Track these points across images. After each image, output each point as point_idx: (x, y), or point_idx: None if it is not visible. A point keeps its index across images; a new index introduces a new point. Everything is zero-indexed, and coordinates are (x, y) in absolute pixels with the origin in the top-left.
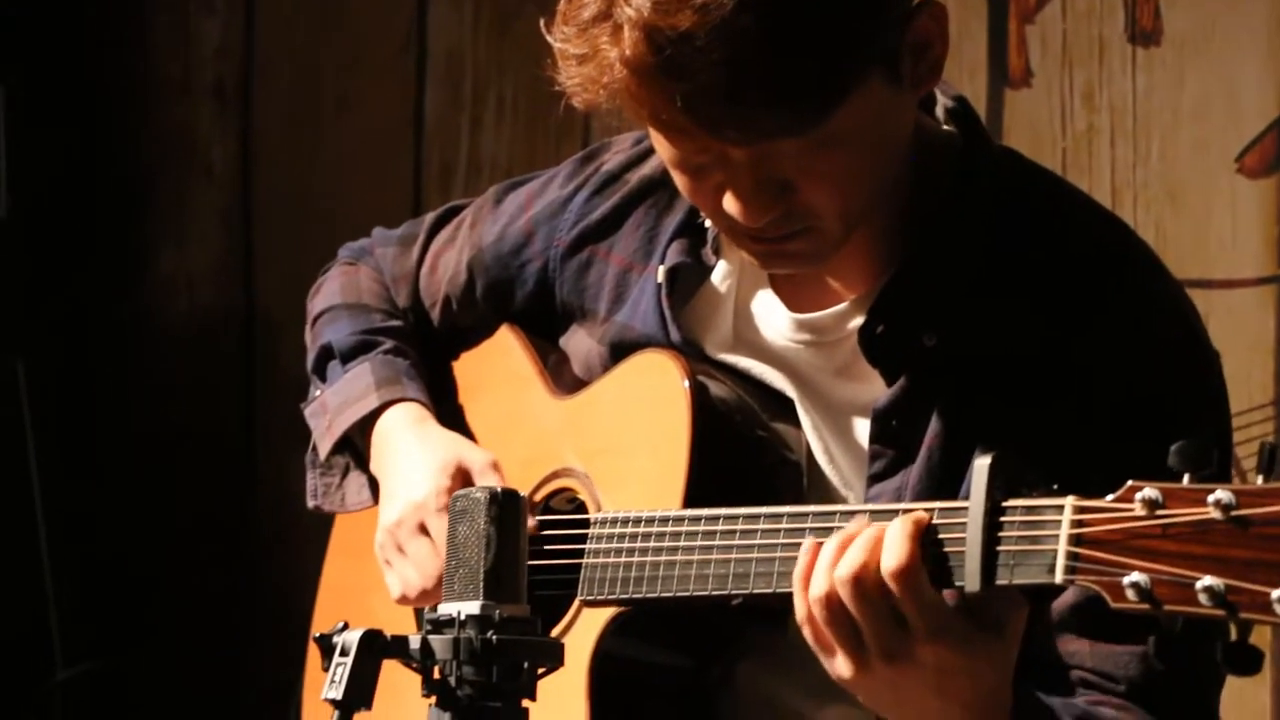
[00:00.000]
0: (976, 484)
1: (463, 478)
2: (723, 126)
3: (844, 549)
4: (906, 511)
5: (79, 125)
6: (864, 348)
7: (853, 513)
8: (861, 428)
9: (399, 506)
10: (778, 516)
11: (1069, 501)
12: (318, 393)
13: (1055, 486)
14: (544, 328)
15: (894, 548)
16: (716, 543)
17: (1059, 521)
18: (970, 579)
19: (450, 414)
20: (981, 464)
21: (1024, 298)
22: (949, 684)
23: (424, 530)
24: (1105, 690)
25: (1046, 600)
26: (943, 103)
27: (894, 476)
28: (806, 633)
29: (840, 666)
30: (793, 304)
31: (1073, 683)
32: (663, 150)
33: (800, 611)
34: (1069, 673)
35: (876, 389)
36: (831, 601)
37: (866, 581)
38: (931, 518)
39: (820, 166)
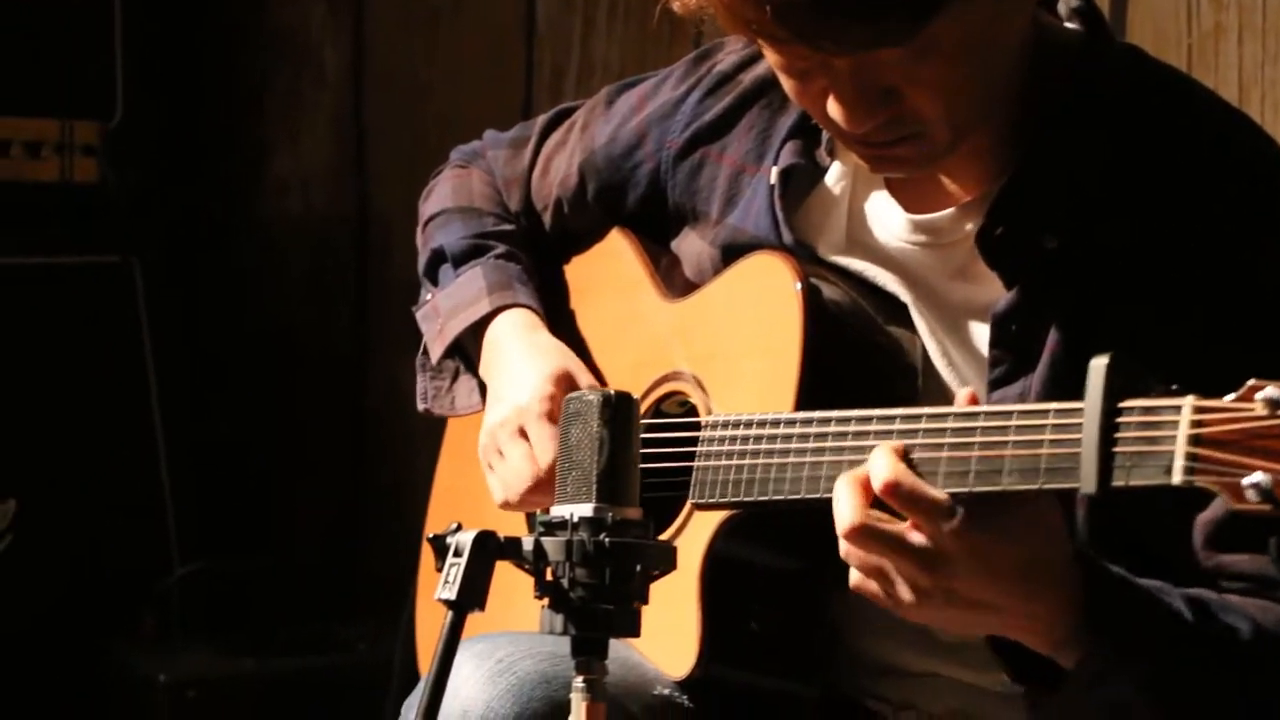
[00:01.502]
0: (1092, 385)
1: (568, 387)
2: (817, 37)
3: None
4: (1001, 413)
5: (192, 28)
6: (982, 250)
7: (966, 414)
8: (979, 331)
9: (502, 410)
10: (890, 419)
11: (1188, 401)
12: (429, 296)
13: (1174, 387)
14: (655, 230)
15: (876, 465)
16: (828, 445)
17: (1177, 422)
18: (1086, 481)
19: (561, 318)
20: (1098, 365)
21: (1148, 198)
22: (989, 568)
23: (523, 434)
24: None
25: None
26: (1066, 0)
27: (1016, 382)
28: (862, 588)
29: (893, 606)
30: (909, 205)
31: (1243, 594)
32: (768, 55)
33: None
34: (1236, 585)
35: (994, 292)
36: (853, 556)
37: (870, 528)
38: (970, 453)
39: (924, 74)
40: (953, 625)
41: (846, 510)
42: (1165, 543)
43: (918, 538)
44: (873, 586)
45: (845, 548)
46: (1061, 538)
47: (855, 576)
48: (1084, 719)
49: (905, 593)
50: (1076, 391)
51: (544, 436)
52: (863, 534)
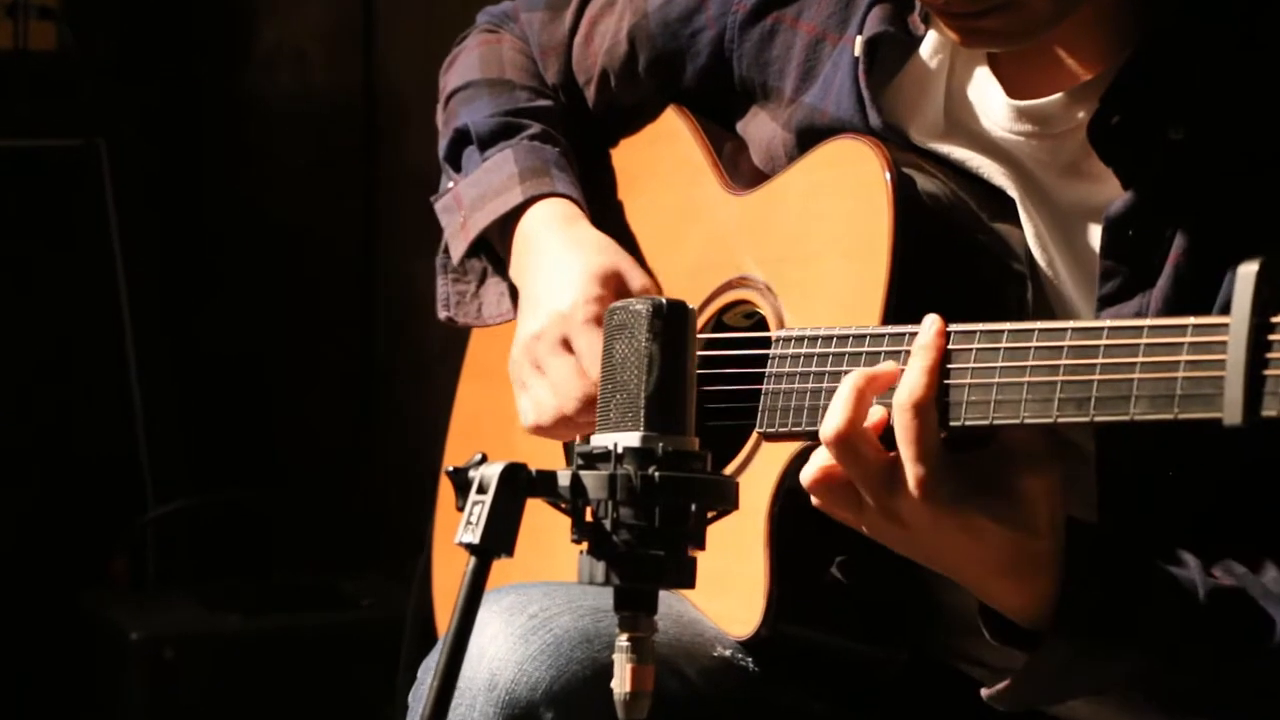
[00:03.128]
0: (1240, 297)
1: (616, 288)
2: None
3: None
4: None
5: None
6: (1096, 141)
7: (1087, 329)
8: (1091, 238)
9: (540, 317)
10: (996, 334)
11: None
12: (451, 184)
13: None
14: (718, 109)
15: (909, 379)
16: None
17: None
18: (1230, 409)
19: (606, 212)
20: (1246, 272)
21: None
22: (955, 545)
23: (567, 345)
24: None
25: None
26: None
27: (1130, 300)
28: (815, 495)
29: (857, 524)
30: (1013, 88)
31: None
32: None
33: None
34: None
35: (1109, 192)
36: (827, 464)
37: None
38: (1091, 375)
39: None
40: (915, 555)
41: (843, 415)
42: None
43: (904, 471)
44: (829, 498)
45: (827, 452)
46: (1048, 525)
47: (813, 477)
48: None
49: (868, 517)
50: (1203, 312)
51: (594, 346)
52: (847, 445)
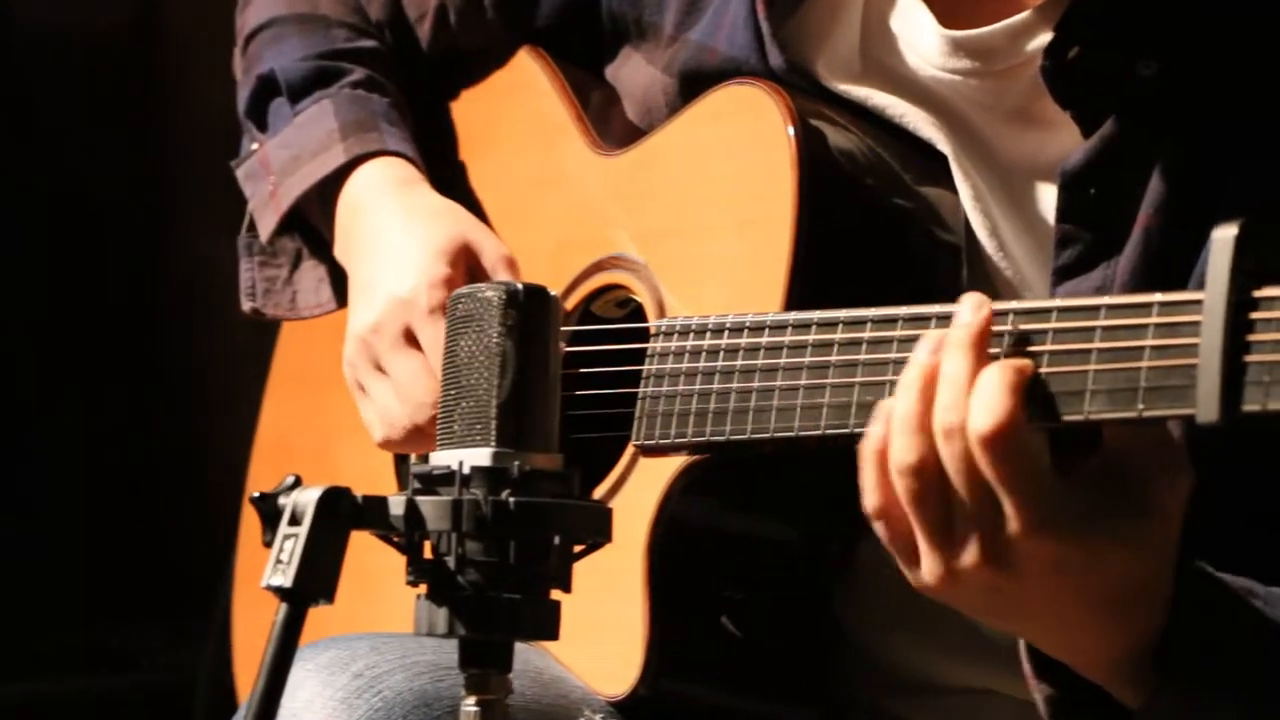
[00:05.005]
0: (1216, 267)
1: (469, 266)
2: None
3: (930, 392)
4: (1082, 309)
5: None
6: (1050, 79)
7: (1034, 311)
8: (1044, 198)
9: (376, 305)
10: (922, 319)
11: None
12: (255, 145)
13: None
14: (583, 52)
15: (987, 401)
16: (833, 359)
17: None
18: (1205, 404)
19: (445, 178)
20: (1223, 238)
21: None
22: (1067, 584)
23: (411, 339)
24: None
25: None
26: None
27: (1092, 271)
28: (878, 527)
29: (925, 571)
30: (946, 16)
31: None
32: None
33: (872, 494)
34: None
35: (1066, 142)
36: (919, 471)
37: (964, 443)
38: (1038, 366)
39: None
40: (976, 615)
41: (1001, 404)
42: (1253, 505)
43: (1009, 509)
44: (904, 536)
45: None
46: (1172, 546)
47: (879, 503)
48: None
49: (958, 562)
50: (1179, 286)
51: (442, 337)
52: (997, 454)
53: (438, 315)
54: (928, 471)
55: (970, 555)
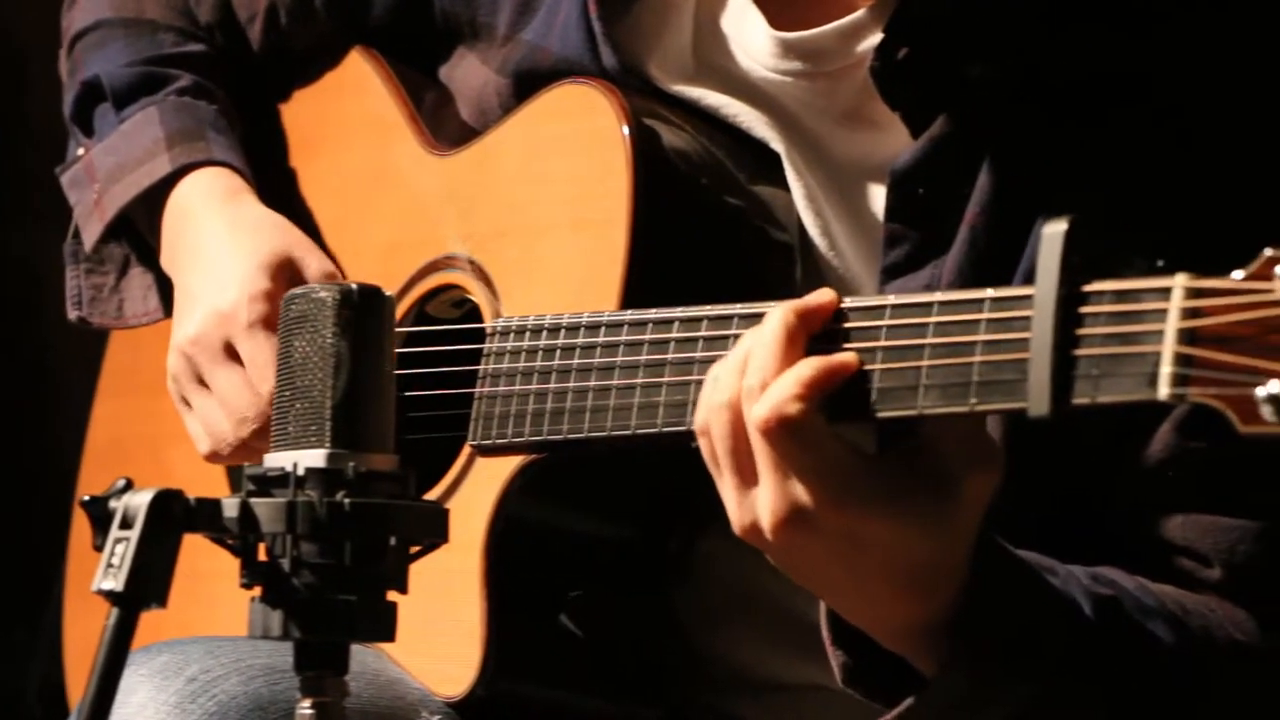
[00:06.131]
0: (1045, 262)
1: (289, 280)
2: None
3: (735, 375)
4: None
5: None
6: (879, 80)
7: (868, 308)
8: (874, 198)
9: (197, 319)
10: (758, 318)
11: (1178, 282)
12: (81, 151)
13: (1159, 263)
14: (416, 53)
15: (772, 393)
16: (670, 358)
17: (1164, 311)
18: (1036, 398)
19: (278, 182)
20: (1052, 233)
21: (1109, 6)
22: (869, 559)
23: (232, 353)
24: (1193, 581)
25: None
26: None
27: (920, 270)
28: (706, 447)
29: (733, 519)
30: (778, 17)
31: (1170, 570)
32: None
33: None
34: (1163, 558)
35: (895, 142)
36: (707, 435)
37: (741, 420)
38: (864, 364)
39: None
40: (785, 570)
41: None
42: (1078, 495)
43: (799, 484)
44: (730, 478)
45: (766, 404)
46: (973, 532)
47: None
48: None
49: (743, 516)
50: (1003, 283)
51: (263, 352)
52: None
53: (257, 329)
54: (719, 437)
55: (767, 516)
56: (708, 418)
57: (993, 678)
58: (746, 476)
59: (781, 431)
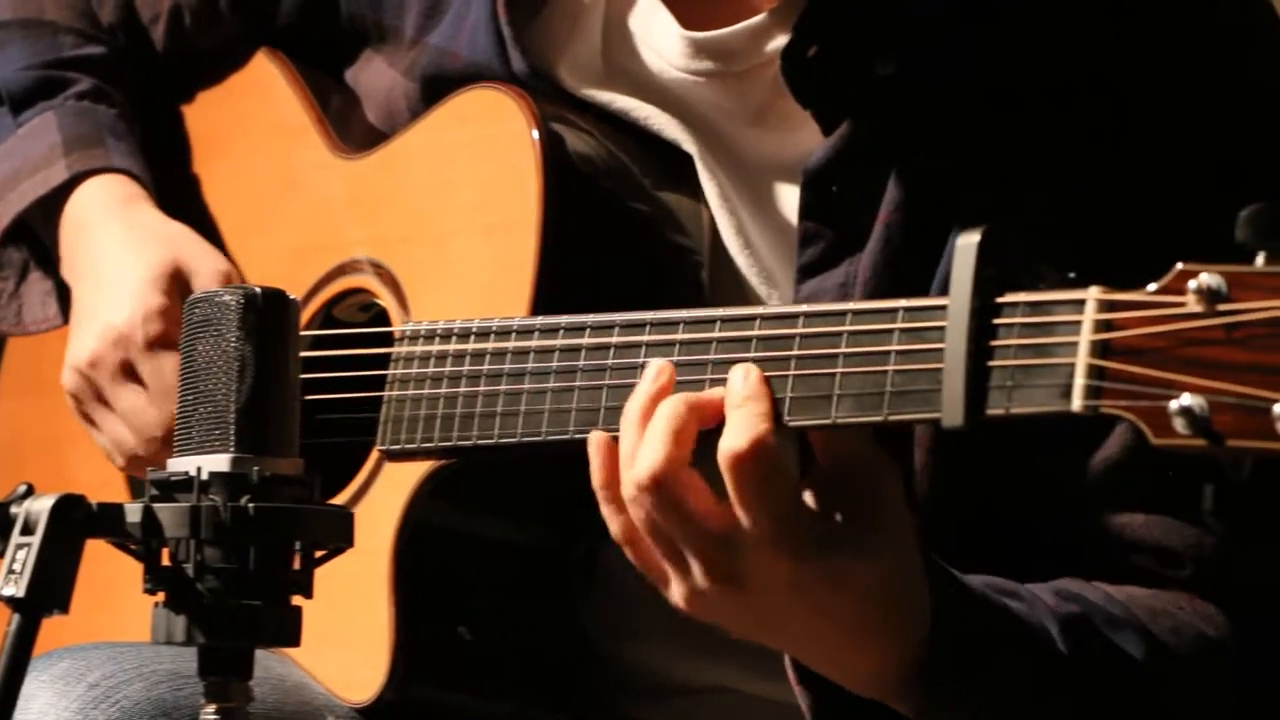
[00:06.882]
0: (959, 274)
1: (182, 289)
2: None
3: (641, 434)
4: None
5: None
6: (790, 79)
7: (781, 315)
8: (788, 197)
9: (93, 336)
10: (670, 325)
11: (1091, 294)
12: None
13: (1072, 275)
14: (323, 55)
15: (644, 452)
16: (580, 364)
17: (1078, 323)
18: (950, 409)
19: (181, 186)
20: (966, 244)
21: (1021, 8)
22: (813, 602)
23: (131, 373)
24: (1162, 580)
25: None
26: None
27: (836, 268)
28: (628, 553)
29: (673, 592)
30: (687, 17)
31: (1137, 571)
32: None
33: (613, 526)
34: (1129, 559)
35: (807, 141)
36: (638, 516)
37: (669, 484)
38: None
39: None
40: (740, 634)
41: (662, 451)
42: (1035, 500)
43: (734, 524)
44: (658, 564)
45: (636, 500)
46: (913, 546)
47: (623, 533)
48: None
49: (694, 583)
50: (920, 282)
51: (162, 372)
52: (667, 492)
53: (154, 348)
54: (639, 514)
55: (700, 577)
56: (626, 494)
57: (969, 707)
58: (672, 541)
59: (661, 489)
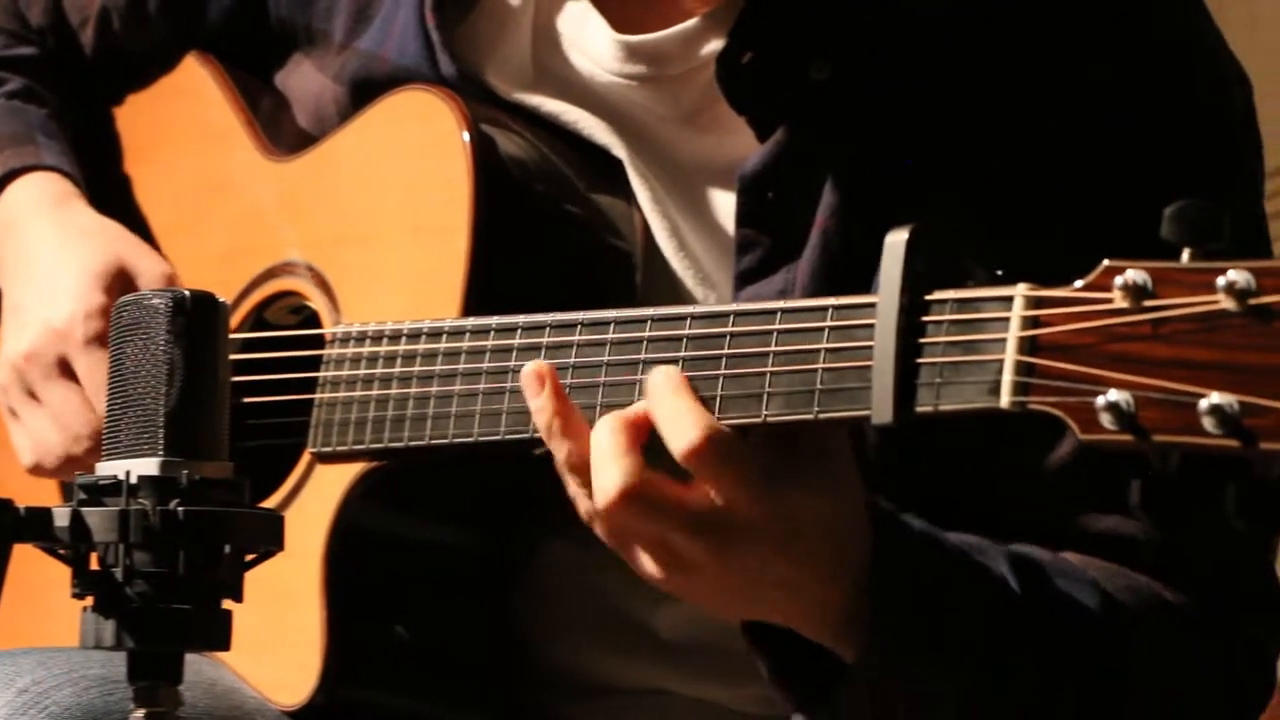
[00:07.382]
0: (888, 271)
1: (123, 288)
2: None
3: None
4: (758, 313)
5: None
6: (724, 83)
7: (710, 315)
8: (724, 203)
9: (29, 333)
10: (601, 324)
11: (1019, 291)
12: None
13: (999, 272)
14: (252, 58)
15: (600, 476)
16: (512, 365)
17: (1006, 320)
18: (880, 406)
19: (110, 188)
20: (894, 242)
21: (959, 6)
22: (763, 585)
23: (67, 370)
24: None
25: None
26: None
27: (774, 274)
28: (622, 555)
29: (670, 584)
30: (619, 20)
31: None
32: None
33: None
34: (1088, 550)
35: (743, 146)
36: (623, 531)
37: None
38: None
39: None
40: (725, 608)
41: (621, 470)
42: (988, 500)
43: (711, 503)
44: (645, 564)
45: (613, 518)
46: (859, 492)
47: (614, 542)
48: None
49: (676, 563)
50: (858, 288)
51: (100, 370)
52: (641, 502)
53: (93, 346)
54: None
55: (700, 554)
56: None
57: (919, 641)
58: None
59: (630, 504)
